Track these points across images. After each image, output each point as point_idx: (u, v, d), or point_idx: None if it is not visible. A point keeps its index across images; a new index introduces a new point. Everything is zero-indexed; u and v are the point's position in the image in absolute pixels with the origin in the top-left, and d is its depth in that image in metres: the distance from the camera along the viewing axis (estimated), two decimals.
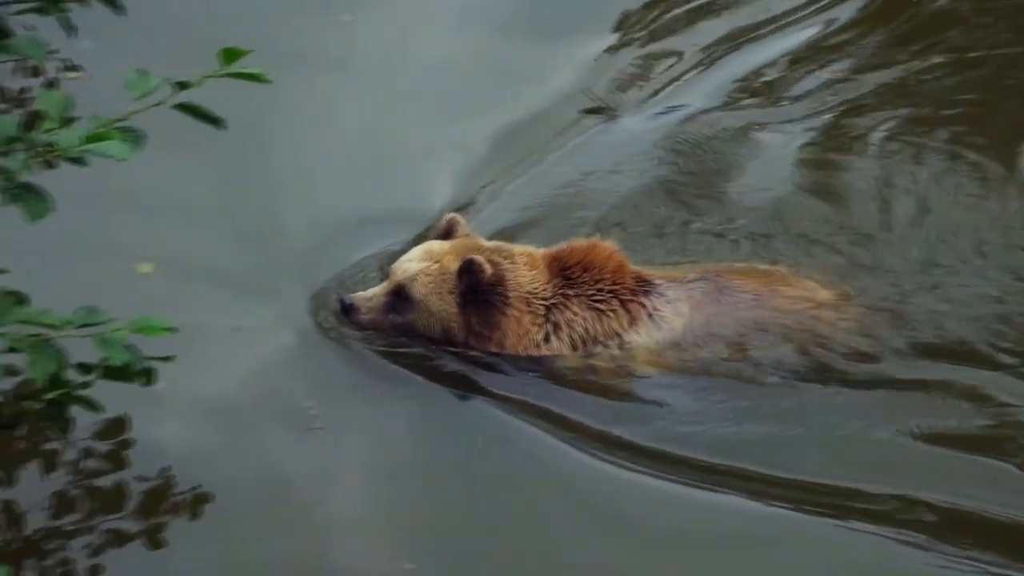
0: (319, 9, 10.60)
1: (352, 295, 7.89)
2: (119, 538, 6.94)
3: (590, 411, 7.76)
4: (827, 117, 10.13)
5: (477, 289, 7.81)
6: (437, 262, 7.85)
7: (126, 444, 7.36)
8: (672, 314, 7.92)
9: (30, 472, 7.20)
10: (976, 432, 7.64)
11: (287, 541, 7.03)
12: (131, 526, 7.00)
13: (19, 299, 5.33)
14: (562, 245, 8.07)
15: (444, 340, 7.94)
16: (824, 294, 8.09)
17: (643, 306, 7.91)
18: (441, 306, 7.85)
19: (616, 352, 7.90)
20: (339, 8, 10.64)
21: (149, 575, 6.87)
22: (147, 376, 5.55)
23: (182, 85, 5.18)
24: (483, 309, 7.84)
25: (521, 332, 7.88)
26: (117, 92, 5.29)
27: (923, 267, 8.54)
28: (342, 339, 8.07)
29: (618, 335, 7.90)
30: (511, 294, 7.86)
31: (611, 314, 7.91)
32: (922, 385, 7.87)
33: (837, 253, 8.68)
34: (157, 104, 5.21)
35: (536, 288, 7.92)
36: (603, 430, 7.64)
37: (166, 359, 5.77)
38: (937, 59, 10.64)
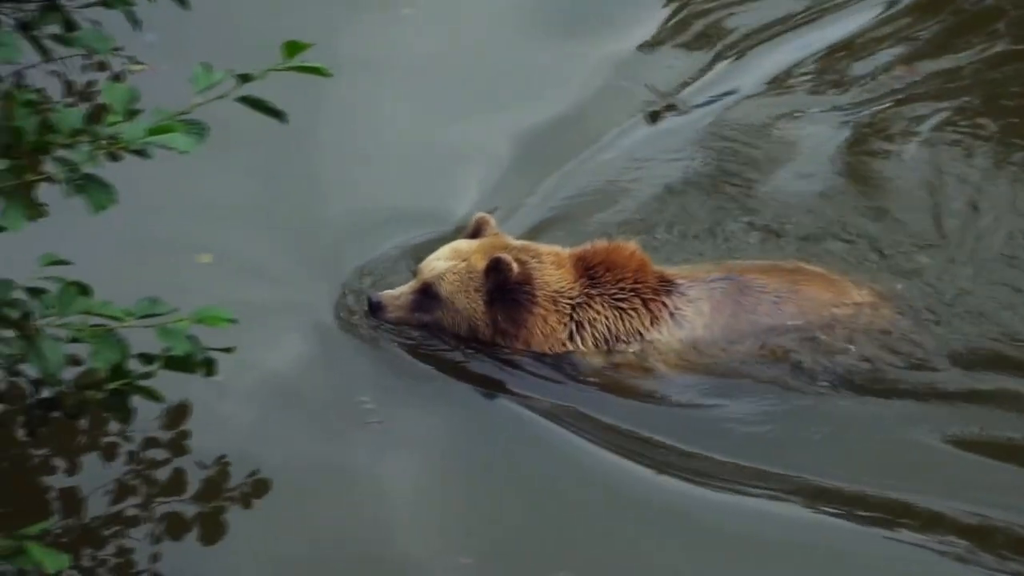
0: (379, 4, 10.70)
1: (380, 293, 7.96)
2: (177, 524, 7.02)
3: (618, 411, 7.79)
4: (875, 108, 10.04)
5: (504, 288, 7.86)
6: (464, 260, 7.92)
7: (184, 432, 7.43)
8: (693, 314, 7.95)
9: (91, 460, 7.31)
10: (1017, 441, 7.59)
11: (342, 531, 7.10)
12: (189, 511, 7.08)
13: (83, 290, 5.38)
14: (586, 245, 8.10)
15: (470, 337, 7.98)
16: (856, 294, 8.05)
17: (665, 305, 7.94)
18: (467, 304, 7.90)
19: (638, 350, 7.91)
20: (401, 3, 10.71)
21: (207, 561, 6.92)
22: (208, 367, 5.58)
23: (245, 78, 5.19)
24: (510, 307, 7.89)
25: (547, 331, 7.92)
26: (181, 85, 5.29)
27: (971, 267, 8.47)
28: (388, 335, 8.12)
29: (640, 334, 7.93)
30: (538, 292, 7.91)
31: (632, 313, 7.95)
32: (960, 392, 7.80)
33: (882, 252, 8.63)
34: (220, 97, 5.23)
35: (562, 287, 7.96)
36: (632, 429, 7.68)
37: (227, 350, 5.80)
38: (992, 49, 10.57)
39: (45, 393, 5.74)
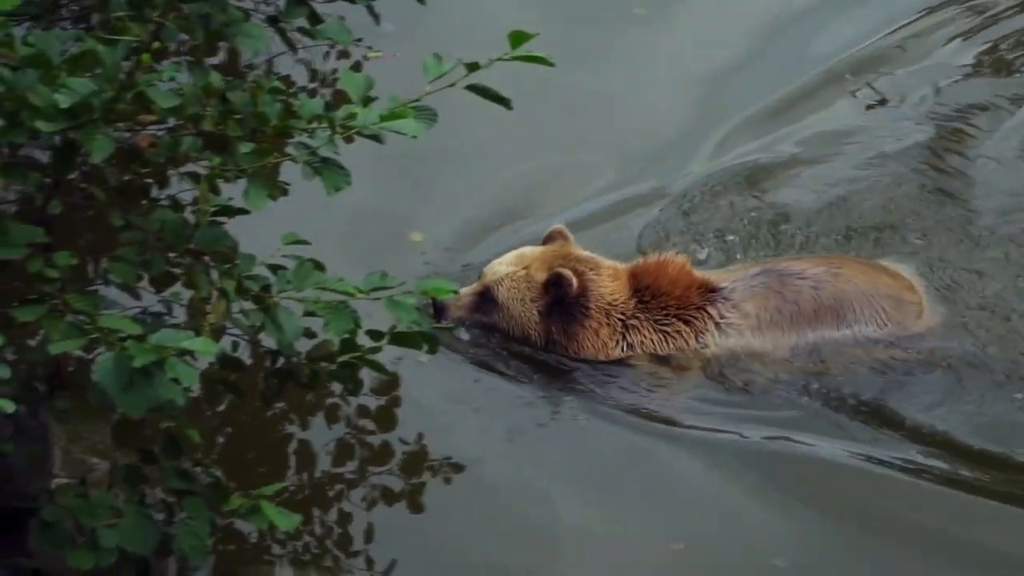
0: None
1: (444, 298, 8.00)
2: (386, 495, 7.26)
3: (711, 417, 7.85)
4: None
5: (562, 302, 7.85)
6: (525, 268, 7.93)
7: (395, 401, 7.70)
8: (739, 318, 7.91)
9: (315, 425, 7.59)
10: None
11: (520, 527, 7.26)
12: (395, 484, 7.31)
13: (318, 266, 5.61)
14: (638, 260, 8.10)
15: (522, 342, 7.99)
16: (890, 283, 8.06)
17: (710, 316, 7.92)
18: (522, 312, 7.92)
19: (689, 362, 7.96)
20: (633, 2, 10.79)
21: (410, 532, 7.16)
22: (430, 342, 5.75)
23: (472, 67, 5.32)
24: (565, 320, 7.88)
25: (598, 344, 7.95)
26: (416, 71, 5.44)
27: None
28: None
29: (688, 352, 7.96)
30: (591, 305, 7.91)
31: (676, 334, 7.95)
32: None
33: None
34: (450, 85, 5.37)
35: (616, 300, 7.95)
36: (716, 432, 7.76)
37: (448, 328, 6.01)
38: None
39: (281, 363, 5.96)
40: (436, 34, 8.84)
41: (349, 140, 5.32)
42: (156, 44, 5.13)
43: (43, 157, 5.52)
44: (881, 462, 7.48)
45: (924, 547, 7.16)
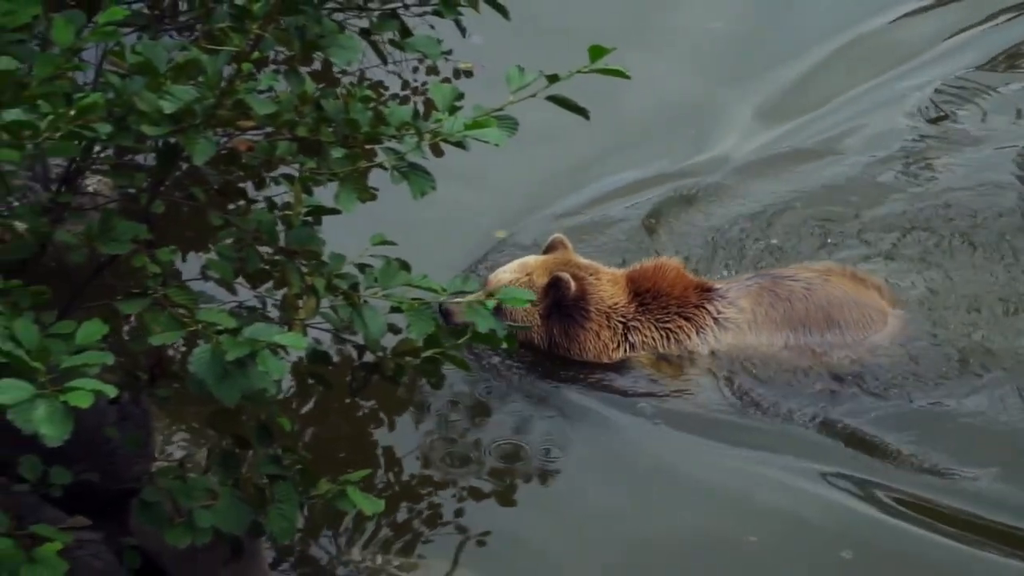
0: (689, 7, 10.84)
1: (449, 302, 7.95)
2: (475, 493, 7.37)
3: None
4: None
5: (561, 304, 7.92)
6: (528, 275, 8.01)
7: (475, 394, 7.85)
8: (736, 313, 8.00)
9: (405, 418, 7.73)
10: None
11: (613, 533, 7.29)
12: (485, 485, 7.41)
13: (404, 266, 5.73)
14: (635, 265, 8.18)
15: (526, 346, 8.05)
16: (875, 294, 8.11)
17: (708, 313, 8.00)
18: (524, 316, 7.94)
19: (693, 359, 8.02)
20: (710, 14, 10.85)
21: (501, 530, 7.25)
22: (510, 341, 5.86)
23: (552, 79, 5.40)
24: (565, 322, 7.94)
25: (600, 346, 8.02)
26: (502, 81, 5.50)
27: None
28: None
29: (688, 347, 8.03)
30: (591, 308, 7.99)
31: (678, 330, 8.02)
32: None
33: None
34: (532, 96, 5.43)
35: (616, 305, 8.04)
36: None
37: (523, 327, 6.12)
38: None
39: (367, 358, 6.07)
40: (522, 46, 8.91)
41: (437, 152, 5.43)
42: (255, 54, 5.19)
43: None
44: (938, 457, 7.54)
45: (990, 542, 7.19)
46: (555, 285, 7.98)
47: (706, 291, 8.17)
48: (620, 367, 8.09)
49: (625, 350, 8.11)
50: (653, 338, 8.09)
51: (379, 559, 6.94)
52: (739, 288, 8.17)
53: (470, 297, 5.68)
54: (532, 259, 8.26)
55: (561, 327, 8.08)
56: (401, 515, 7.19)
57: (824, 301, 8.05)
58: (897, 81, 10.36)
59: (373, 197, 5.73)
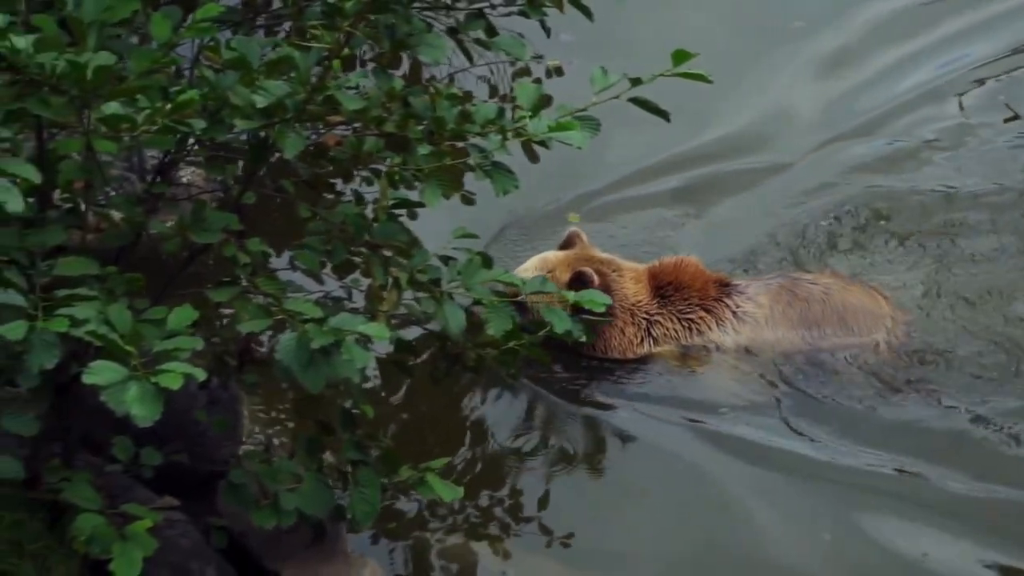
0: (774, 14, 10.76)
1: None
2: (553, 484, 7.41)
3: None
4: None
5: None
6: (550, 272, 7.84)
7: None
8: (754, 308, 7.98)
9: (486, 407, 7.79)
10: None
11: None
12: (560, 476, 7.49)
13: (485, 261, 5.77)
14: (654, 262, 8.11)
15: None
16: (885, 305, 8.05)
17: (727, 306, 7.98)
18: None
19: (712, 351, 7.98)
20: (793, 15, 10.79)
21: (576, 520, 7.22)
22: (588, 335, 5.88)
23: (635, 82, 5.39)
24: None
25: (625, 342, 7.94)
26: (587, 80, 5.51)
27: None
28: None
29: (709, 338, 7.99)
30: (616, 305, 7.87)
31: (699, 321, 7.96)
32: None
33: None
34: (615, 97, 5.43)
35: (639, 300, 7.97)
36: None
37: (603, 320, 6.13)
38: None
39: (449, 348, 6.11)
40: (609, 45, 8.91)
41: (532, 154, 5.46)
42: (345, 51, 5.22)
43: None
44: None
45: None
46: (579, 280, 7.81)
47: (725, 286, 8.17)
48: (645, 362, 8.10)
49: (649, 345, 8.06)
50: (675, 330, 8.06)
51: (456, 543, 6.97)
52: (759, 285, 8.17)
53: (551, 297, 5.69)
54: (552, 255, 8.18)
55: (585, 322, 8.04)
56: (481, 501, 7.21)
57: (840, 306, 8.04)
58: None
59: (470, 202, 5.87)
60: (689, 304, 8.09)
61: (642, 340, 8.08)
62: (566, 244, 8.21)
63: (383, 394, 7.60)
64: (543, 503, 7.25)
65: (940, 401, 7.81)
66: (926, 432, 7.68)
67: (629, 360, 8.06)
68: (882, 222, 8.93)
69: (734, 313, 8.07)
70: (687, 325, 8.08)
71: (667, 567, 7.05)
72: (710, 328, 8.07)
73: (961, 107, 10.02)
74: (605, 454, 7.56)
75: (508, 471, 7.42)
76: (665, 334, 8.07)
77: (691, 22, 10.20)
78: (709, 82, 5.33)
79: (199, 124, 4.93)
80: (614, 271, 8.10)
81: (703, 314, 8.08)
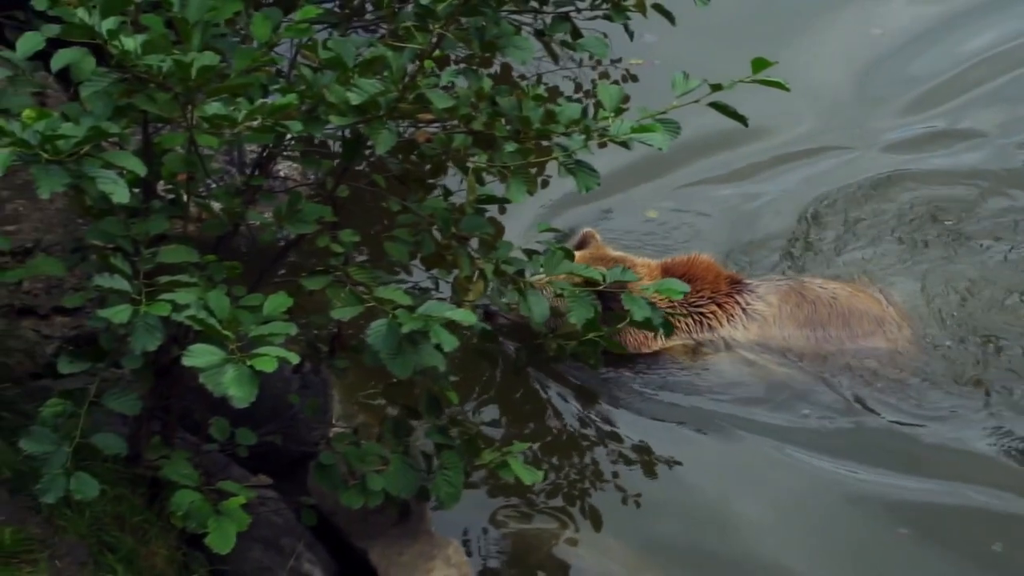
0: (852, 20, 10.67)
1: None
2: (621, 463, 7.49)
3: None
4: None
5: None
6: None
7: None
8: (764, 306, 7.95)
9: (563, 397, 7.83)
10: None
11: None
12: (630, 453, 7.54)
13: (567, 254, 5.84)
14: (667, 259, 8.06)
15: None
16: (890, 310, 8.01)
17: (738, 303, 7.95)
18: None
19: (721, 346, 7.94)
20: (871, 22, 10.72)
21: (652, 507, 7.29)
22: (666, 328, 5.93)
23: (716, 87, 5.40)
24: (605, 317, 7.77)
25: (640, 338, 7.88)
26: (669, 80, 5.54)
27: None
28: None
29: (719, 334, 7.95)
30: None
31: (711, 315, 7.94)
32: None
33: None
34: (695, 101, 5.45)
35: (653, 298, 7.83)
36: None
37: (680, 314, 6.17)
38: None
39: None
40: (692, 46, 8.90)
41: (603, 146, 5.50)
42: (437, 52, 5.30)
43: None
44: None
45: None
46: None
47: (736, 283, 8.16)
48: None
49: (661, 339, 7.98)
50: (687, 323, 8.05)
51: (530, 526, 7.04)
52: (769, 285, 8.16)
53: (632, 286, 5.75)
54: None
55: (601, 319, 8.06)
56: (558, 485, 7.26)
57: (846, 310, 8.01)
58: None
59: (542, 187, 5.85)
60: (701, 297, 8.09)
61: (656, 335, 8.07)
62: (580, 245, 8.20)
63: (465, 380, 7.64)
64: (615, 491, 7.31)
65: (945, 405, 7.76)
66: (929, 434, 7.62)
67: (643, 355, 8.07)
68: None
69: (744, 310, 8.06)
70: (698, 319, 8.08)
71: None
72: (721, 324, 8.06)
73: None
74: (678, 447, 7.57)
75: (580, 458, 7.46)
76: (677, 328, 8.04)
77: (772, 23, 10.21)
78: (787, 90, 5.34)
79: (296, 126, 5.04)
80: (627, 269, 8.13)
81: (715, 308, 8.09)
